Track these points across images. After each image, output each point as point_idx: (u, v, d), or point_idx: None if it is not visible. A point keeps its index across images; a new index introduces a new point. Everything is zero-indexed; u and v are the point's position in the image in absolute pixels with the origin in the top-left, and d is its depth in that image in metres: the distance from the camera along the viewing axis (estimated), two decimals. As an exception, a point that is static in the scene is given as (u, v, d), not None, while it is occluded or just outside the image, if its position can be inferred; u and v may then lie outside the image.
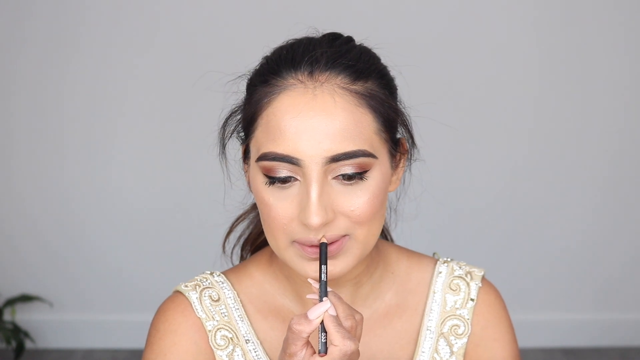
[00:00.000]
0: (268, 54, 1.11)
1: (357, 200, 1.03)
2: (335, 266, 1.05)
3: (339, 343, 0.97)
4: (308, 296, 1.05)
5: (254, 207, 1.26)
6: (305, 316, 0.99)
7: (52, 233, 3.29)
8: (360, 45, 1.11)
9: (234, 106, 1.14)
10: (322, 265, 1.02)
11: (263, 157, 1.04)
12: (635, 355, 3.35)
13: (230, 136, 1.14)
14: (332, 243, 1.04)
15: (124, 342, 3.33)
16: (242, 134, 1.12)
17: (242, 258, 1.29)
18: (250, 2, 3.18)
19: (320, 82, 1.04)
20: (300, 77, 1.04)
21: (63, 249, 3.30)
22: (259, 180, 1.05)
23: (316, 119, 1.02)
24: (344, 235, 1.05)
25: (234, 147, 1.15)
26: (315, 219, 1.01)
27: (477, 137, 3.29)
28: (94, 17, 3.15)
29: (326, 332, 0.98)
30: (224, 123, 1.14)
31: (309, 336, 0.99)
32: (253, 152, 1.07)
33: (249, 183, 1.13)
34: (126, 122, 3.24)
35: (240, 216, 1.27)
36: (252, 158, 1.07)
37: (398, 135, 1.11)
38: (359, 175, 1.03)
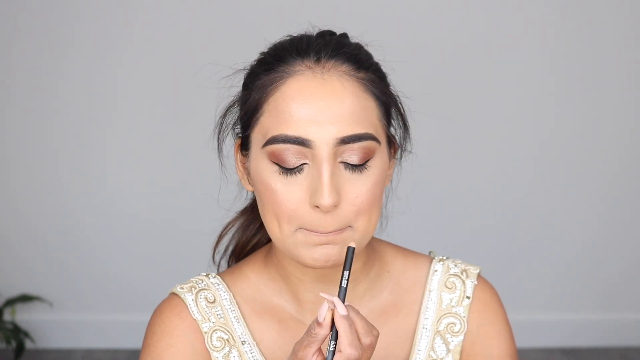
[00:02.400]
0: (265, 49, 1.12)
1: (360, 187, 1.05)
2: (338, 252, 1.06)
3: (343, 349, 0.97)
4: (321, 294, 1.03)
5: (241, 214, 1.26)
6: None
7: (51, 234, 3.29)
8: (355, 41, 1.13)
9: (232, 99, 1.14)
10: (345, 271, 1.01)
11: (272, 141, 1.04)
12: (635, 355, 3.35)
13: (229, 131, 1.14)
14: (334, 232, 1.05)
15: (124, 342, 3.33)
16: (238, 128, 1.12)
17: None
18: (247, 1, 3.18)
19: (327, 68, 1.06)
20: (307, 64, 1.06)
21: (62, 249, 3.30)
22: (264, 167, 1.05)
23: (326, 102, 1.03)
24: (346, 227, 1.06)
25: (227, 145, 1.15)
26: (327, 199, 1.01)
27: (477, 135, 3.29)
28: (88, 20, 3.15)
29: (336, 341, 0.98)
30: (222, 116, 1.14)
31: (323, 341, 0.98)
32: (258, 139, 1.07)
33: (241, 179, 1.13)
34: (123, 123, 3.24)
35: (228, 225, 1.27)
36: (255, 147, 1.07)
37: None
38: (363, 165, 1.05)
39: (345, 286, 1.00)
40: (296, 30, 1.14)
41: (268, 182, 1.05)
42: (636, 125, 3.29)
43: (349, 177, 1.04)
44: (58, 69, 3.17)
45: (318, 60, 1.06)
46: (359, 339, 0.98)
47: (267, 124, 1.05)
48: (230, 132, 1.15)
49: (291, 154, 1.03)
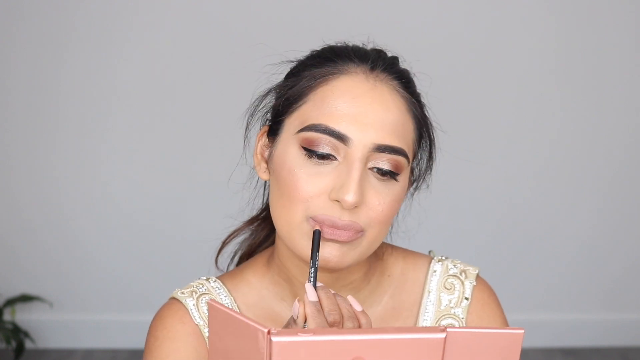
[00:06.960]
0: (319, 48, 1.14)
1: (384, 197, 1.06)
2: (343, 254, 1.05)
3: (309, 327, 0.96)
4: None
5: (248, 222, 1.26)
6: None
7: (51, 235, 3.28)
8: (404, 67, 1.16)
9: (269, 87, 1.15)
10: (314, 253, 1.02)
11: (311, 128, 1.05)
12: (635, 355, 3.35)
13: (258, 117, 1.15)
14: (349, 230, 1.04)
15: (124, 342, 3.33)
16: (268, 115, 1.14)
17: None
18: (249, 3, 3.18)
19: (380, 78, 1.08)
20: (362, 68, 1.09)
21: (62, 250, 3.30)
22: (293, 151, 1.06)
23: (372, 106, 1.05)
24: (360, 231, 1.05)
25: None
26: (353, 196, 1.02)
27: (478, 136, 3.28)
28: (87, 18, 3.15)
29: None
30: (260, 99, 1.15)
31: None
32: (294, 125, 1.07)
33: (256, 165, 1.14)
34: (122, 125, 3.23)
35: (234, 232, 1.27)
36: (287, 132, 1.08)
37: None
38: (392, 174, 1.06)
39: (315, 267, 1.01)
40: (354, 40, 1.17)
41: (292, 166, 1.05)
42: (635, 126, 3.29)
43: (375, 185, 1.05)
44: (57, 69, 3.17)
45: (373, 68, 1.08)
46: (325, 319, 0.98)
47: (308, 112, 1.06)
48: (258, 119, 1.16)
49: (325, 145, 1.04)
